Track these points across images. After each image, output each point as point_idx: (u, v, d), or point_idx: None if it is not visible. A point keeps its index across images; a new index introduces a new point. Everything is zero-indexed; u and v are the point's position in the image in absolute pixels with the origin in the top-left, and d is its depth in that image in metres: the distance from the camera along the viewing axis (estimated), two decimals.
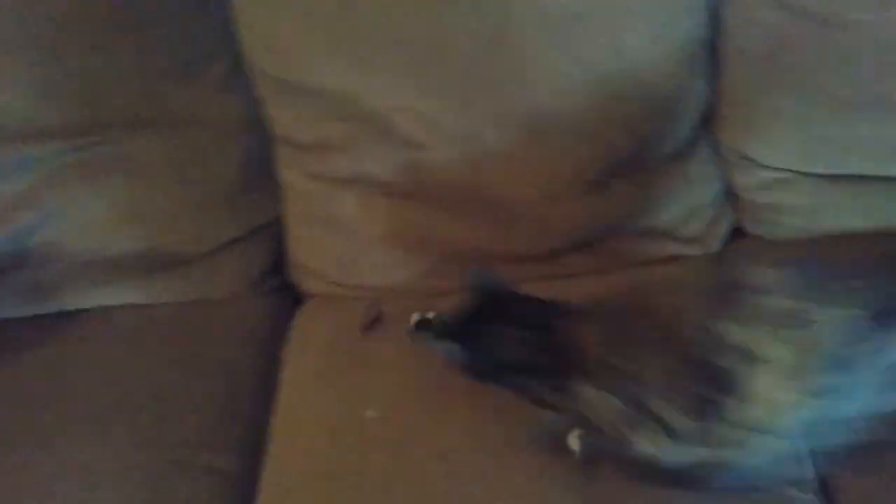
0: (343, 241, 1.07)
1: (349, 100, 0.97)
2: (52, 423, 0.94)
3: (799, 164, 0.99)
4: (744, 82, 0.98)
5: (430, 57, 0.93)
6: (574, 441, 0.71)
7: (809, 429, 0.65)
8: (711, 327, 0.65)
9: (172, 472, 0.89)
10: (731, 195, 1.06)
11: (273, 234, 1.13)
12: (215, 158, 1.05)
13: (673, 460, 0.66)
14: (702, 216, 1.05)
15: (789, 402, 0.64)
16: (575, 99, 0.94)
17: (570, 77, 0.92)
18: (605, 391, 0.67)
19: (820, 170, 0.99)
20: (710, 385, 0.63)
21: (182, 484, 0.88)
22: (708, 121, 1.03)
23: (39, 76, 0.98)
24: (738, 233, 1.08)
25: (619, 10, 0.91)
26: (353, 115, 0.98)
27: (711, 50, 0.98)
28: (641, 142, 0.99)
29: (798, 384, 0.64)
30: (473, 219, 1.01)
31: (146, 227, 1.06)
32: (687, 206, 1.04)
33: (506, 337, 0.74)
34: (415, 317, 0.87)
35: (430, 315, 0.86)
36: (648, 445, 0.65)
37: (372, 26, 0.93)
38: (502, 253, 1.03)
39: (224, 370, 1.01)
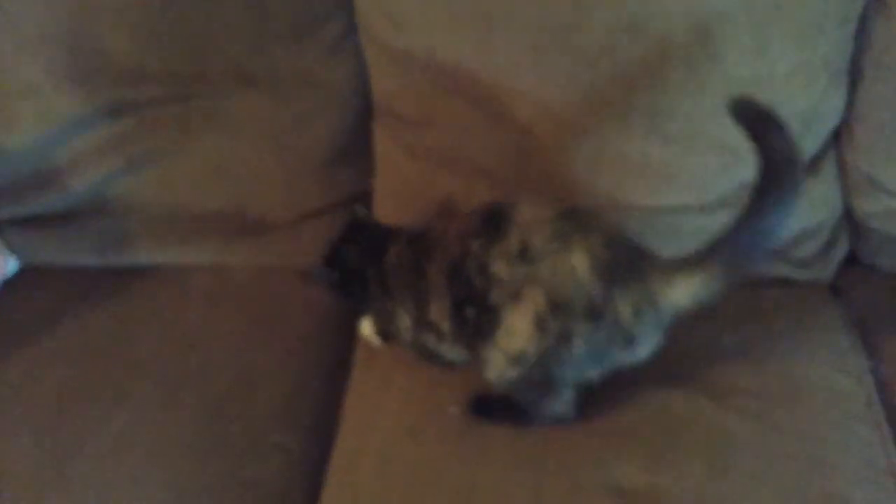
0: None
1: (462, 77, 0.92)
2: (122, 380, 0.92)
3: None
4: (882, 101, 0.91)
5: (557, 42, 0.88)
6: (366, 327, 0.94)
7: (545, 360, 0.74)
8: (486, 261, 0.74)
9: (242, 446, 0.85)
10: (850, 221, 0.99)
11: None
12: (314, 125, 1.01)
13: (449, 356, 0.84)
14: (816, 239, 0.98)
15: (531, 336, 0.73)
16: (705, 97, 0.88)
17: (707, 74, 0.87)
18: (399, 304, 0.84)
19: None
20: (478, 308, 0.75)
21: (251, 460, 0.85)
22: (837, 139, 0.97)
23: (147, 21, 0.95)
24: (852, 261, 1.01)
25: (768, 8, 0.85)
26: (464, 94, 0.93)
27: (852, 63, 0.92)
28: None
29: (542, 324, 0.72)
30: None
31: (234, 187, 1.03)
32: (802, 227, 0.97)
33: (349, 255, 0.89)
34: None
35: None
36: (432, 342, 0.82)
37: (498, 3, 0.88)
38: None
39: (299, 344, 0.97)
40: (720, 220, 0.93)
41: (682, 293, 0.72)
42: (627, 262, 0.73)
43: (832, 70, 0.89)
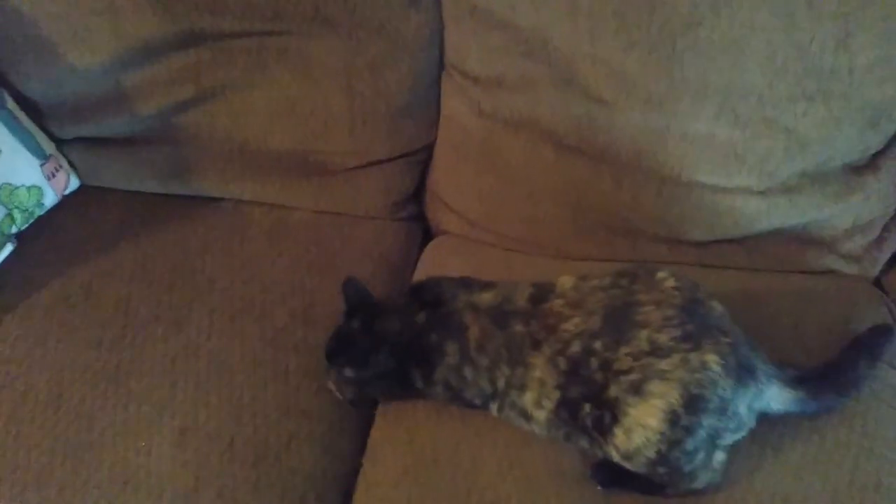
0: (494, 184, 1.03)
1: (538, 39, 0.92)
2: (183, 306, 0.95)
3: None
4: None
5: (642, 13, 0.87)
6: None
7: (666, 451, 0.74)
8: (612, 358, 0.74)
9: (298, 378, 0.89)
10: None
11: (420, 162, 1.10)
12: (386, 73, 1.01)
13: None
14: (867, 234, 0.99)
15: (658, 430, 0.73)
16: (781, 82, 0.87)
17: (783, 56, 0.85)
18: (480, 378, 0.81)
19: None
20: (593, 403, 0.75)
21: (307, 393, 0.88)
22: None
23: None
24: None
25: None
26: (539, 56, 0.93)
27: None
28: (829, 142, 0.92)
29: (674, 418, 0.72)
30: (639, 192, 0.97)
31: (302, 128, 1.04)
32: (855, 221, 0.98)
33: (378, 356, 0.83)
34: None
35: None
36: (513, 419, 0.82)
37: None
38: (654, 233, 1.00)
39: None
40: (780, 205, 0.96)
41: (779, 401, 0.78)
42: (747, 364, 0.75)
43: None
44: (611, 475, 0.81)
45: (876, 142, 0.94)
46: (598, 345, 0.75)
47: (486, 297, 0.83)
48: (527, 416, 0.80)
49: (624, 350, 0.74)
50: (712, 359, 0.72)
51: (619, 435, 0.75)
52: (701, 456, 0.76)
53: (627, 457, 0.76)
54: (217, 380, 0.87)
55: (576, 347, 0.76)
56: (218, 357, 0.89)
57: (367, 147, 1.05)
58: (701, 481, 0.78)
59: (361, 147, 1.05)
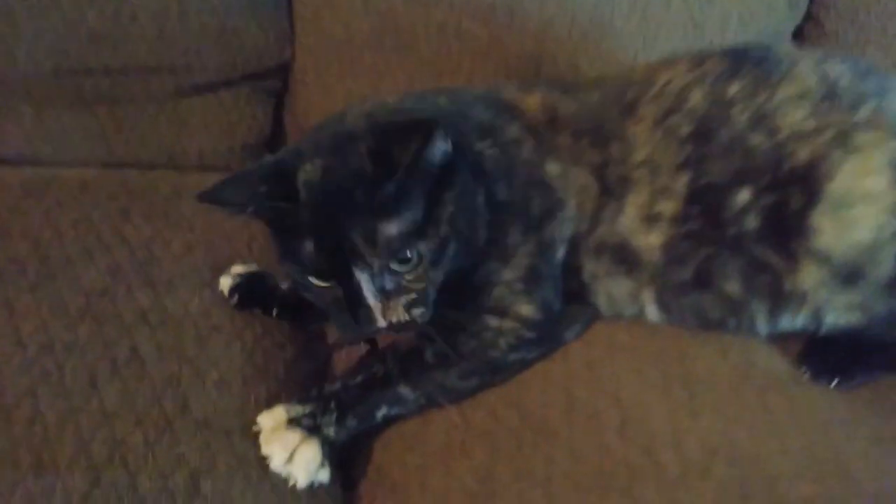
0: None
1: None
2: None
3: None
4: None
5: None
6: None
7: None
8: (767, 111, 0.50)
9: None
10: None
11: (273, 91, 0.80)
12: None
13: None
14: None
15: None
16: None
17: None
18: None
19: None
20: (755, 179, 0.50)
21: None
22: None
23: None
24: None
25: None
26: None
27: None
28: None
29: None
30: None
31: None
32: None
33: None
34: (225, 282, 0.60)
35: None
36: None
37: None
38: None
39: None
40: None
41: None
42: None
43: None
44: (826, 354, 0.52)
45: None
46: (734, 90, 0.51)
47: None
48: (629, 256, 0.53)
49: (784, 93, 0.50)
50: None
51: (822, 226, 0.48)
52: None
53: (849, 271, 0.48)
54: None
55: (697, 98, 0.52)
56: None
57: (188, 60, 0.73)
58: None
59: (178, 59, 0.73)
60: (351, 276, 0.47)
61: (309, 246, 0.47)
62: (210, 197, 0.48)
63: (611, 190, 0.52)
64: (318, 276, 0.48)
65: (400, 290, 0.48)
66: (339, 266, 0.47)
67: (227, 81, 0.77)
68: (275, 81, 0.80)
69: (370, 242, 0.46)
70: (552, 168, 0.53)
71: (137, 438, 0.47)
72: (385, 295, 0.47)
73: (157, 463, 0.46)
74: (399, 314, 0.48)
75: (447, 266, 0.49)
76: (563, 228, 0.53)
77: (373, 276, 0.47)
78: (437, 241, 0.48)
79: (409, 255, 0.47)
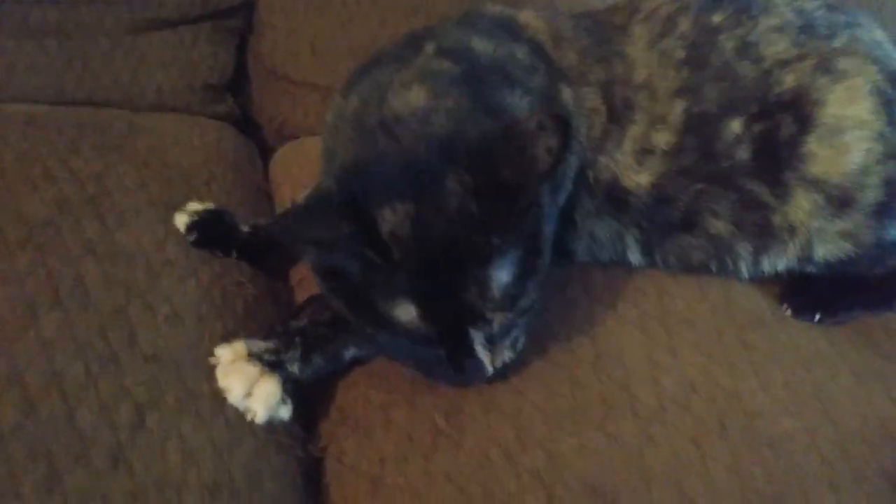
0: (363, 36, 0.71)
1: None
2: None
3: None
4: None
5: None
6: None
7: None
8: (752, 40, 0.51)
9: None
10: None
11: (235, 31, 0.77)
12: None
13: None
14: None
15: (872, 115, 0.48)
16: None
17: None
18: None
19: None
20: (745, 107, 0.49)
21: None
22: None
23: None
24: None
25: None
26: None
27: None
28: None
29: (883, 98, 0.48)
30: None
31: None
32: None
33: None
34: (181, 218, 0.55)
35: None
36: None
37: None
38: None
39: None
40: None
41: None
42: None
43: None
44: (808, 291, 0.51)
45: None
46: (718, 19, 0.51)
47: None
48: (618, 194, 0.50)
49: (765, 24, 0.50)
50: (878, 33, 0.52)
51: (816, 152, 0.48)
52: None
53: (841, 197, 0.48)
54: None
55: (685, 24, 0.51)
56: None
57: None
58: None
59: None
60: (463, 337, 0.41)
61: (409, 311, 0.40)
62: (291, 231, 0.41)
63: (616, 115, 0.49)
64: (421, 342, 0.42)
65: (506, 332, 0.43)
66: (449, 328, 0.41)
67: (188, 18, 0.72)
68: (238, 20, 0.76)
69: (487, 298, 0.40)
70: (566, 92, 0.50)
71: (78, 370, 0.43)
72: (490, 340, 0.42)
73: (99, 396, 0.42)
74: (506, 356, 0.43)
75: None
76: (572, 161, 0.49)
77: (485, 330, 0.41)
78: (544, 269, 0.42)
79: (527, 301, 0.41)
